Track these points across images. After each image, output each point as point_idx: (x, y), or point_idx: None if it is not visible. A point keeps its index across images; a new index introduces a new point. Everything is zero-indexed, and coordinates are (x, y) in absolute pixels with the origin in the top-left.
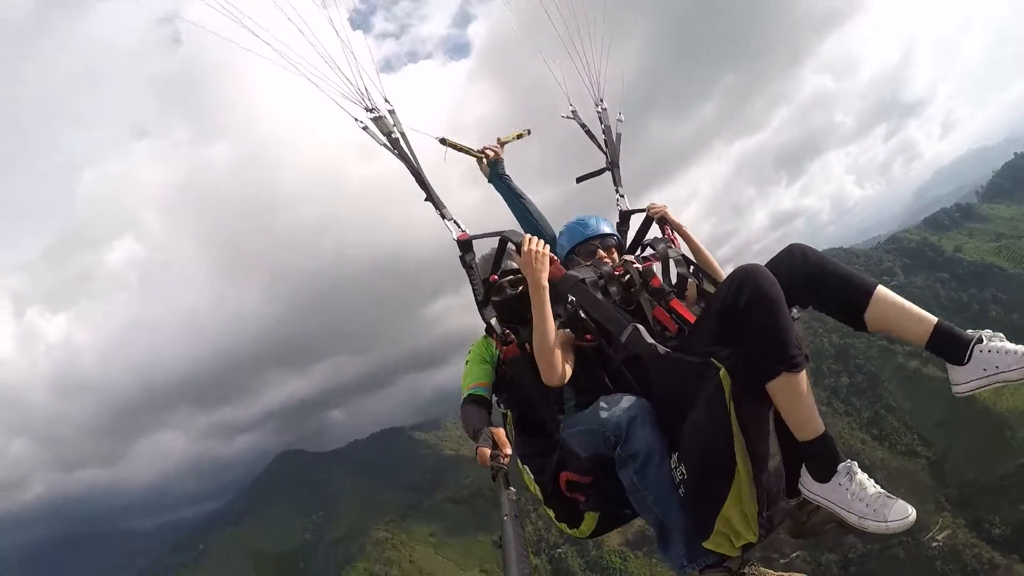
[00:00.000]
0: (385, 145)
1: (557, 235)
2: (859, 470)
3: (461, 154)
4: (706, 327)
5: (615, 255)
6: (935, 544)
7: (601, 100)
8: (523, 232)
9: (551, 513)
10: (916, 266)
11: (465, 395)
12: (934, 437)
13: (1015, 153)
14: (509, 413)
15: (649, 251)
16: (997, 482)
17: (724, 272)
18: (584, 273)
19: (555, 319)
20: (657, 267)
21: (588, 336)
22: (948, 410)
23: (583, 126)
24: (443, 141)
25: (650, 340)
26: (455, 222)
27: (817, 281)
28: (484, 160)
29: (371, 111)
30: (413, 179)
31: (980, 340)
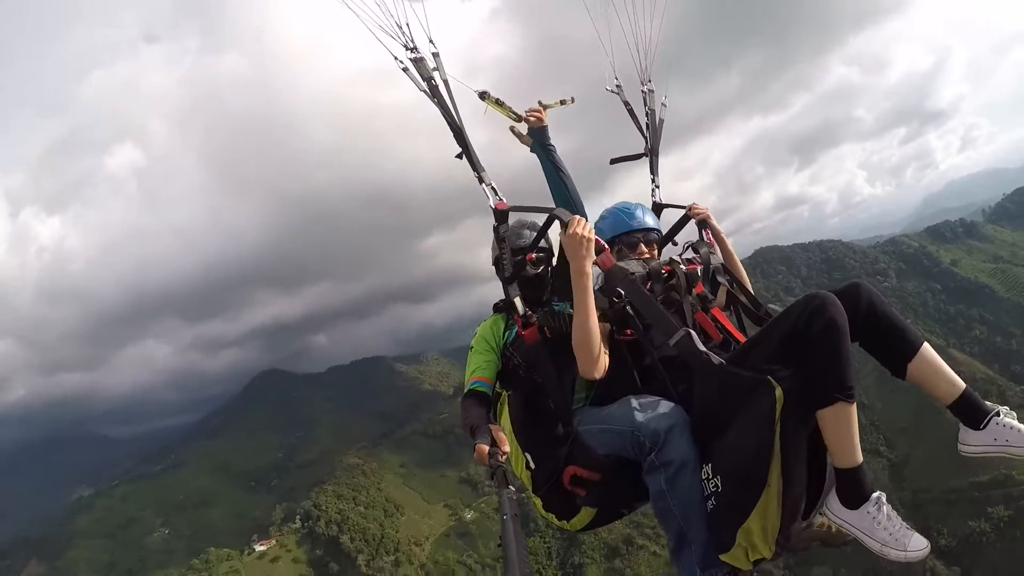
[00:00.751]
0: (424, 91)
1: (598, 219)
2: (886, 502)
3: (501, 114)
4: (767, 345)
5: (655, 251)
6: None
7: (649, 80)
8: (566, 211)
9: (538, 502)
10: (910, 272)
11: (467, 388)
12: (898, 440)
13: None
14: (506, 394)
15: (691, 253)
16: (950, 494)
17: (747, 278)
18: (633, 267)
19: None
20: (699, 268)
21: (629, 331)
22: (916, 417)
23: (626, 104)
24: (483, 96)
25: (702, 348)
26: (493, 188)
27: (875, 326)
28: (527, 126)
29: (412, 50)
30: (452, 133)
31: (998, 414)
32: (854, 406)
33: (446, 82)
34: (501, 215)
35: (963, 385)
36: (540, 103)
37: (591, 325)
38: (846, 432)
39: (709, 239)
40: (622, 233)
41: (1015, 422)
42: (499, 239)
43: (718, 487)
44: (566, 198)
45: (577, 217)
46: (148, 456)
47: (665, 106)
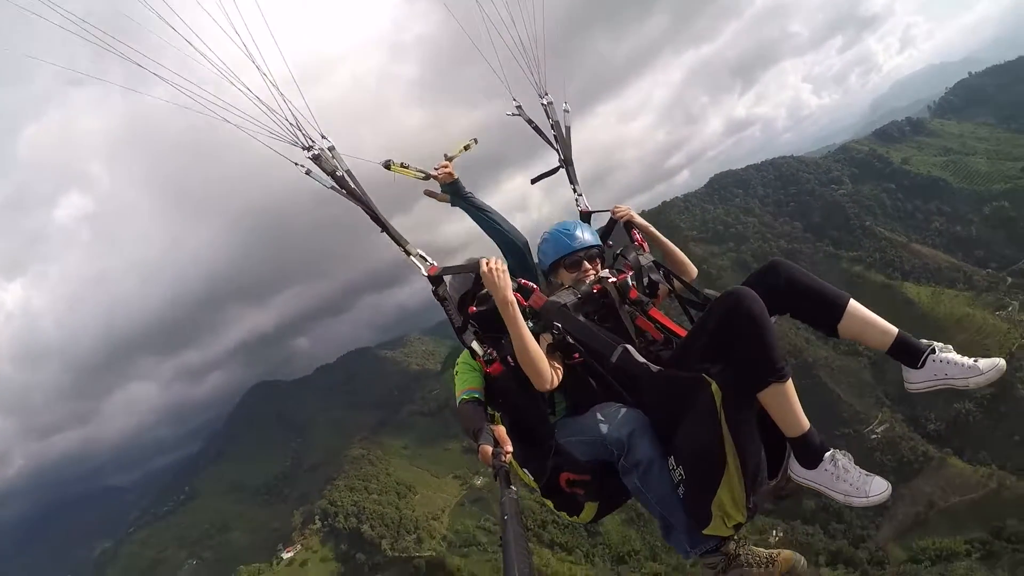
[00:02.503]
0: (333, 187)
1: (540, 241)
2: (841, 456)
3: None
4: (697, 345)
5: (599, 264)
6: (874, 436)
7: (546, 92)
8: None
9: (549, 503)
10: (864, 176)
11: (460, 399)
12: None
13: (970, 72)
14: (497, 415)
15: (621, 260)
16: None
17: (688, 260)
18: (565, 297)
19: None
20: (630, 275)
21: (576, 355)
22: (888, 314)
23: (530, 122)
24: (388, 165)
25: (641, 359)
26: (421, 255)
27: (798, 298)
28: (439, 182)
29: (309, 149)
30: (368, 217)
31: (933, 351)
32: (789, 382)
33: (349, 172)
34: (435, 279)
35: (895, 331)
36: (445, 156)
37: (527, 347)
38: (787, 406)
39: (638, 239)
40: (565, 255)
41: (951, 355)
42: (440, 299)
43: (683, 476)
44: (499, 233)
45: (482, 259)
46: (158, 495)
47: (568, 112)
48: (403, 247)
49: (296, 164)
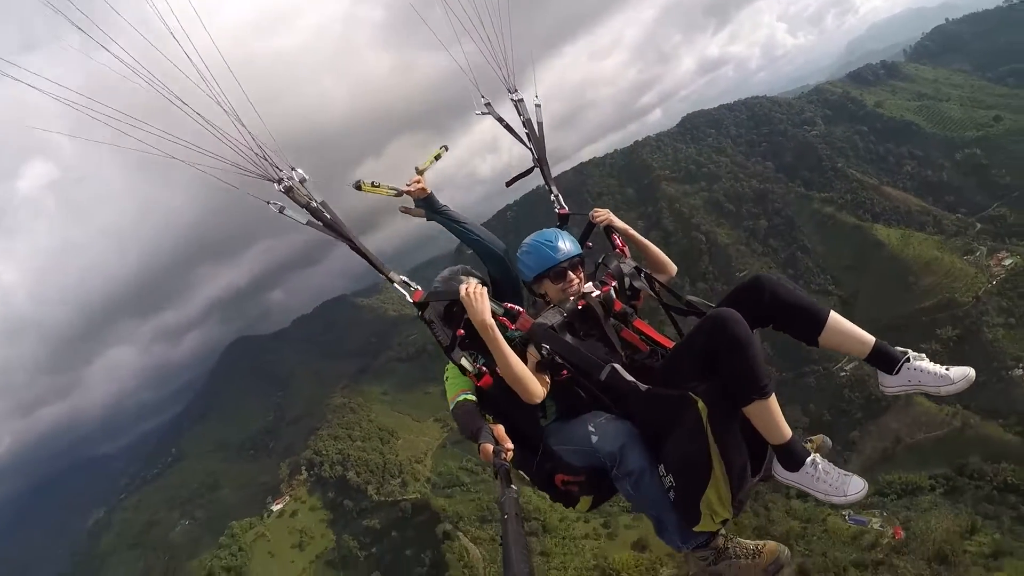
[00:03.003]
0: (310, 222)
1: (520, 252)
2: (820, 460)
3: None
4: (684, 364)
5: (581, 273)
6: (843, 374)
7: (515, 89)
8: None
9: (546, 495)
10: (837, 118)
11: (455, 402)
12: (845, 278)
13: (947, 19)
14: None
15: (603, 268)
16: (899, 321)
17: (667, 259)
18: (551, 318)
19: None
20: (613, 285)
21: (564, 372)
22: (858, 255)
23: (501, 121)
24: (359, 186)
25: (629, 378)
26: (404, 281)
27: (781, 312)
28: (412, 198)
29: (280, 181)
30: (350, 249)
31: (908, 359)
32: (771, 397)
33: (323, 203)
34: (421, 305)
35: (872, 340)
36: (416, 169)
37: (511, 366)
38: (770, 419)
39: (618, 243)
40: (549, 267)
41: (924, 364)
42: (427, 323)
43: (673, 483)
44: (477, 243)
45: (464, 284)
46: (147, 459)
47: (539, 106)
48: (386, 275)
49: (268, 203)
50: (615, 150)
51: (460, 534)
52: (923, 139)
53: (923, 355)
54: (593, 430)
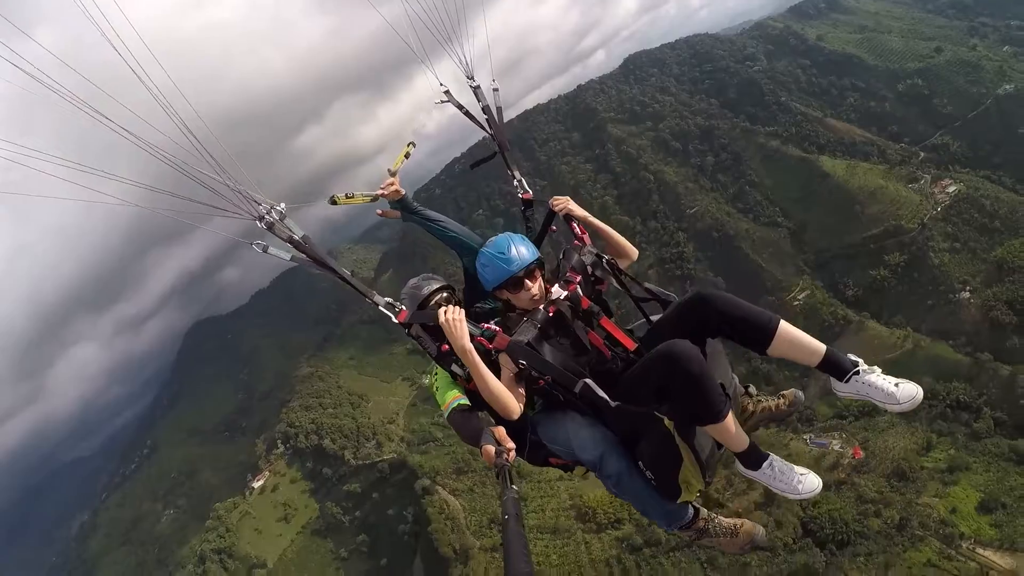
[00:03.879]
0: (294, 257)
1: (477, 265)
2: (778, 462)
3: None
4: (642, 392)
5: (540, 279)
6: (796, 303)
7: (472, 76)
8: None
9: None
10: (780, 53)
11: (450, 409)
12: (793, 210)
13: None
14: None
15: (565, 264)
16: (848, 249)
17: (628, 244)
18: (526, 333)
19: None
20: (579, 282)
21: (540, 381)
22: (805, 187)
23: (460, 108)
24: (334, 201)
25: (601, 394)
26: (389, 303)
27: (729, 327)
28: (387, 201)
29: (262, 219)
30: (335, 278)
31: (858, 372)
32: (728, 418)
33: (305, 236)
34: (406, 325)
35: (823, 350)
36: (389, 171)
37: (491, 388)
38: (726, 436)
39: (578, 231)
40: (505, 279)
41: (874, 378)
42: (415, 338)
43: (652, 476)
44: (454, 240)
45: (439, 311)
46: (123, 456)
47: (497, 90)
48: (371, 299)
49: (252, 244)
50: (559, 95)
51: (439, 488)
52: (865, 71)
53: (876, 368)
54: (574, 436)
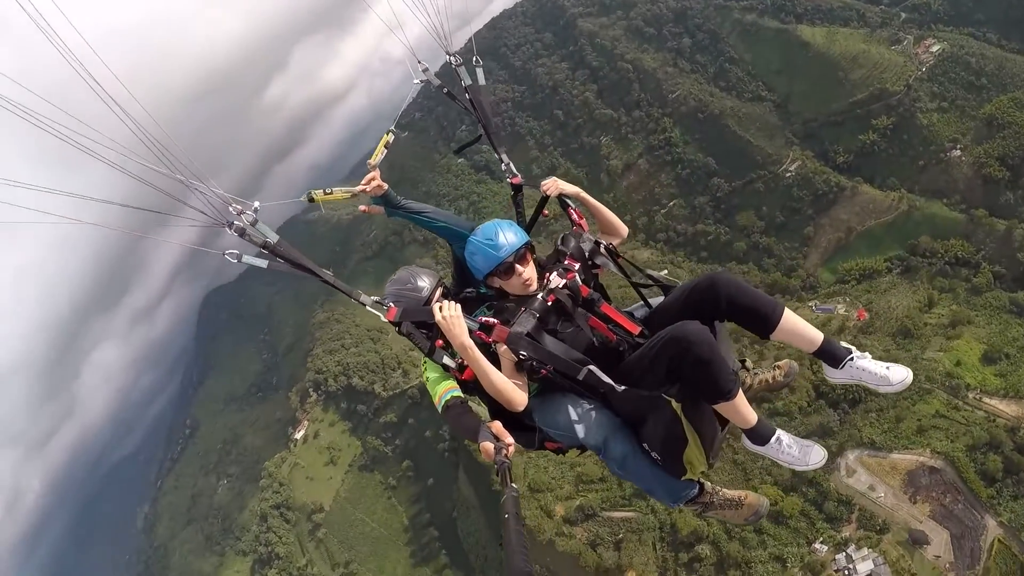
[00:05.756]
0: (272, 265)
1: (466, 254)
2: (785, 436)
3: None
4: (654, 373)
5: (531, 262)
6: (788, 175)
7: (453, 53)
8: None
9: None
10: None
11: (443, 402)
12: (776, 83)
13: None
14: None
15: (563, 253)
16: (835, 116)
17: (618, 221)
18: (525, 323)
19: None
20: (578, 269)
21: (544, 371)
22: (786, 58)
23: (442, 88)
24: (311, 199)
25: (605, 379)
26: (377, 302)
27: (737, 313)
28: (369, 197)
29: (230, 225)
30: (320, 280)
31: (852, 358)
32: (737, 396)
33: (280, 240)
34: (396, 322)
35: (821, 338)
36: (369, 165)
37: (494, 382)
38: (735, 413)
39: (574, 216)
40: (495, 266)
41: (866, 363)
42: (406, 335)
43: (657, 456)
44: (443, 229)
45: (435, 307)
46: (166, 442)
47: (479, 64)
48: (356, 299)
49: (224, 254)
50: None
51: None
52: None
53: (867, 354)
54: (577, 420)
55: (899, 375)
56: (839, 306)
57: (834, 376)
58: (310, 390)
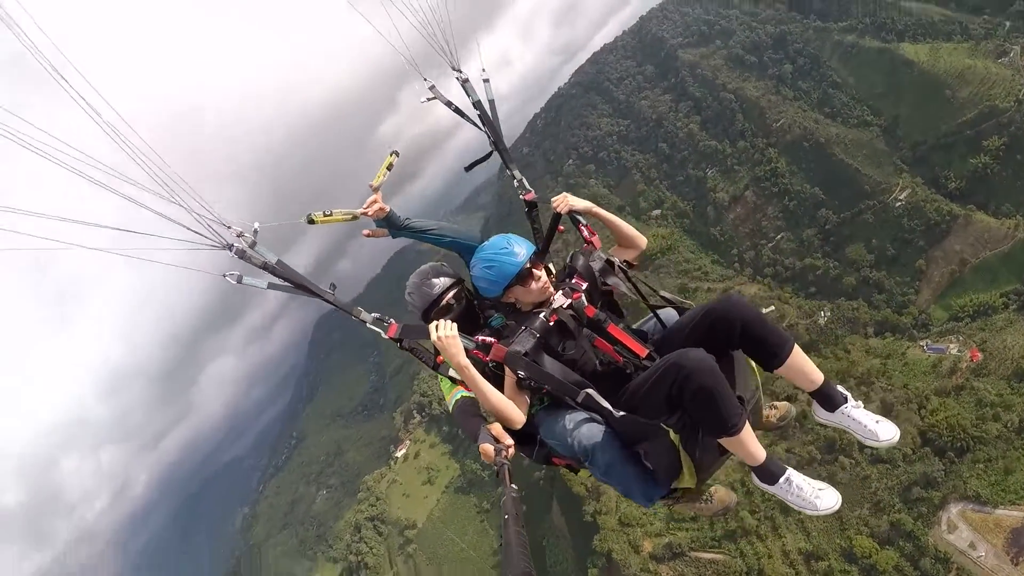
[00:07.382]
0: (272, 284)
1: (475, 273)
2: (796, 476)
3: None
4: (654, 402)
5: (544, 272)
6: (898, 204)
7: (460, 69)
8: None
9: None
10: None
11: (453, 402)
12: (881, 106)
13: None
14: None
15: (571, 270)
16: (945, 140)
17: (635, 233)
18: (524, 343)
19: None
20: (584, 289)
21: (544, 389)
22: (890, 79)
23: (449, 105)
24: (311, 220)
25: (604, 404)
26: (377, 319)
27: (750, 342)
28: (371, 219)
29: (230, 247)
30: (321, 301)
31: (846, 404)
32: (743, 431)
33: (279, 261)
34: (397, 340)
35: (821, 379)
36: (371, 187)
37: (491, 401)
38: (742, 449)
39: (586, 233)
40: (514, 276)
41: (859, 412)
42: (409, 351)
43: (652, 468)
44: (453, 244)
45: (431, 327)
46: (273, 450)
47: (487, 80)
48: (356, 317)
49: (225, 276)
50: (623, 31)
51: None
52: None
53: (860, 403)
54: (570, 427)
55: (887, 432)
56: (951, 345)
57: (824, 418)
58: (414, 412)
